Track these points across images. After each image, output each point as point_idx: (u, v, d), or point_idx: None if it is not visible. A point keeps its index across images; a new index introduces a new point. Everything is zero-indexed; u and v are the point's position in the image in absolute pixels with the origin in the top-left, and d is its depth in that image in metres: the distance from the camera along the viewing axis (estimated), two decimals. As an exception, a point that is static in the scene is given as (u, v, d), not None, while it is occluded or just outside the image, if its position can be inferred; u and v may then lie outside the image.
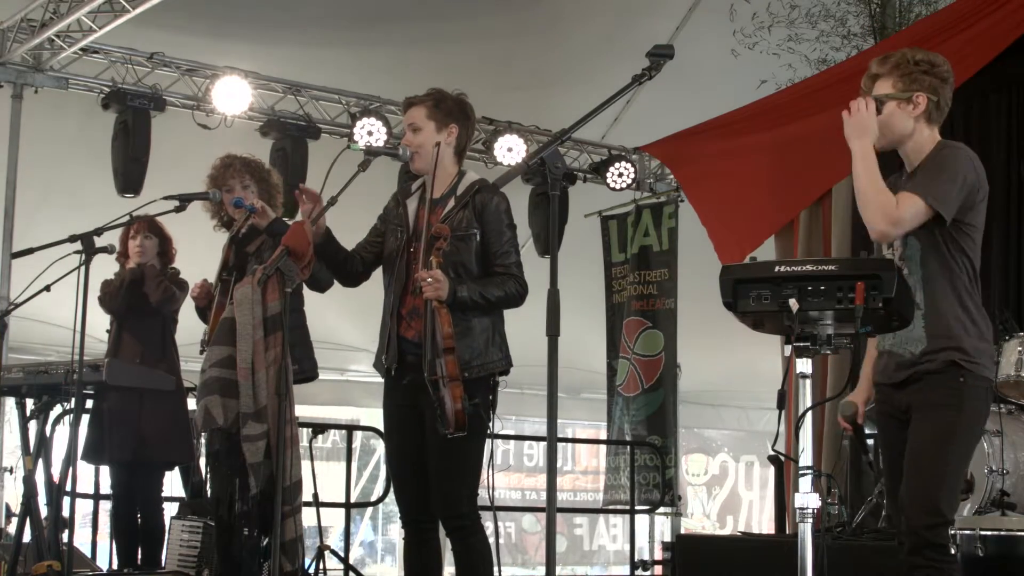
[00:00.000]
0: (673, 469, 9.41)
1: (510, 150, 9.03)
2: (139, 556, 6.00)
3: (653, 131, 9.27)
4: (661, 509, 9.57)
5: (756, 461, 14.33)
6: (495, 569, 4.21)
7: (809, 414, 3.28)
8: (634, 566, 8.39)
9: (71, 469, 5.29)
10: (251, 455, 4.63)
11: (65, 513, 5.35)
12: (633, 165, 9.68)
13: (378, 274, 4.45)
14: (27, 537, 5.48)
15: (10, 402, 6.52)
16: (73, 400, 5.36)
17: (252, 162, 5.35)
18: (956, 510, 3.64)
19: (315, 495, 6.06)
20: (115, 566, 6.10)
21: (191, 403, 5.72)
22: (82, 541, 6.95)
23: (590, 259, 10.03)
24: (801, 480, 3.29)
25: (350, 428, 8.46)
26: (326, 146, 8.29)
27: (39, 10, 7.37)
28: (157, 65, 7.98)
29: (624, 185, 9.61)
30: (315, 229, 4.23)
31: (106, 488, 6.35)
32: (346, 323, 9.45)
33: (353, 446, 7.77)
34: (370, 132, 8.33)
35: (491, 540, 4.16)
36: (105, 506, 6.53)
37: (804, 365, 3.30)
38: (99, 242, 5.28)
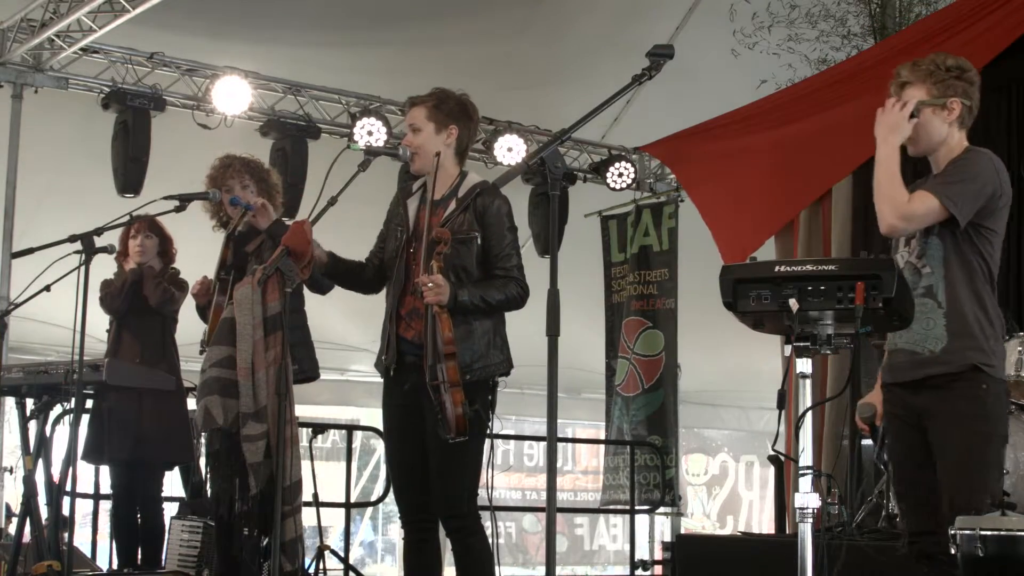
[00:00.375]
0: (673, 469, 9.41)
1: (510, 150, 9.03)
2: (139, 556, 6.00)
3: (653, 131, 9.27)
4: (661, 509, 9.58)
5: (756, 461, 14.33)
6: (495, 569, 4.21)
7: (809, 414, 3.28)
8: (634, 566, 8.39)
9: (71, 469, 5.28)
10: (251, 455, 4.62)
11: (65, 513, 5.35)
12: (633, 165, 9.68)
13: (379, 275, 4.45)
14: (27, 537, 5.48)
15: (10, 402, 6.50)
16: (73, 400, 5.36)
17: (251, 162, 5.35)
18: None
19: (315, 495, 6.05)
20: (115, 566, 6.10)
21: (191, 403, 5.71)
22: (82, 541, 6.94)
23: (590, 259, 10.03)
24: (801, 480, 3.29)
25: (350, 428, 8.45)
26: (326, 146, 8.28)
27: (39, 10, 7.36)
28: (157, 65, 7.97)
29: (624, 185, 9.60)
30: (316, 260, 4.22)
31: (106, 488, 6.35)
32: (347, 323, 9.44)
33: (353, 446, 7.77)
34: (370, 132, 8.32)
35: (491, 540, 4.15)
36: (105, 506, 6.53)
37: (804, 365, 3.30)
38: (99, 242, 5.27)
